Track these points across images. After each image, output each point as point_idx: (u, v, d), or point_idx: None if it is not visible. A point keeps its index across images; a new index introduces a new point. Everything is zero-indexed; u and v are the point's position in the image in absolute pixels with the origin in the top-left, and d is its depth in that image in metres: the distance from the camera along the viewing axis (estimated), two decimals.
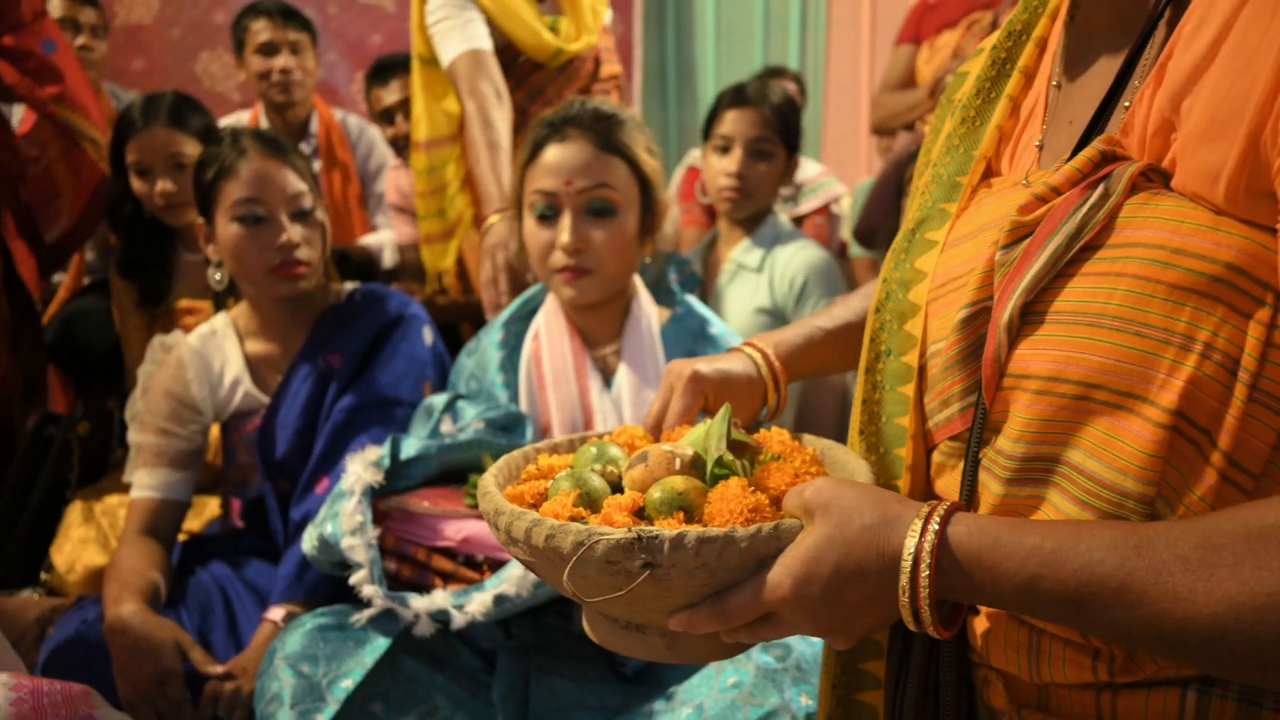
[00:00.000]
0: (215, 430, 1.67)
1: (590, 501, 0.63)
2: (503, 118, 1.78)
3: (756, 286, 1.92)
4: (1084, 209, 0.53)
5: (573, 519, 0.60)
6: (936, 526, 0.52)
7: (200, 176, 1.43)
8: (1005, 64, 0.70)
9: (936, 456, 0.64)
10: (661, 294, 1.45)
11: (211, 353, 1.51)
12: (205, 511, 1.79)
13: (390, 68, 2.45)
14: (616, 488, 0.66)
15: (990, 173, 0.69)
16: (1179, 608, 0.45)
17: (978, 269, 0.59)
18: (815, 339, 0.84)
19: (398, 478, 1.20)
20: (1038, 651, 0.57)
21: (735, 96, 1.94)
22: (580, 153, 1.21)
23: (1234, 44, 0.49)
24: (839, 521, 0.54)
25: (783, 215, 2.03)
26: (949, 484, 0.62)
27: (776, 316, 1.88)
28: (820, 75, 3.62)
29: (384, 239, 2.65)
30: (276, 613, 1.26)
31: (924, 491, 0.66)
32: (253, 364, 1.52)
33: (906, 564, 0.52)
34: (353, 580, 1.07)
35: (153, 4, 3.31)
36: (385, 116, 2.46)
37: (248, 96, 2.71)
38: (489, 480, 0.68)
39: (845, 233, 2.76)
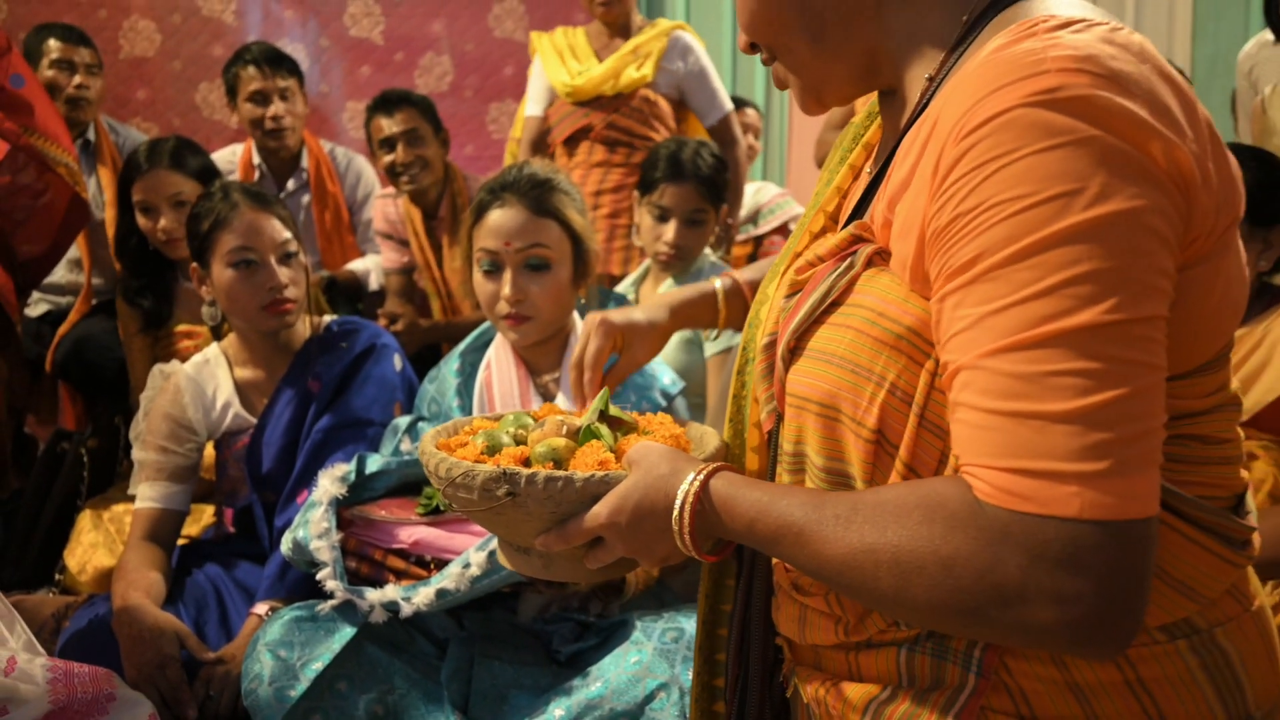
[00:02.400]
0: (209, 448, 1.86)
1: (495, 451, 0.85)
2: None
3: None
4: (834, 276, 0.70)
5: (476, 462, 0.81)
6: (702, 479, 0.71)
7: (196, 228, 1.62)
8: (858, 138, 0.89)
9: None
10: None
11: (205, 379, 1.71)
12: (202, 519, 1.98)
13: (397, 101, 2.53)
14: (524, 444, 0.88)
15: (838, 215, 0.86)
16: (826, 549, 0.62)
17: (777, 312, 0.78)
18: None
19: (363, 489, 1.40)
20: (804, 621, 0.75)
21: (672, 171, 2.03)
22: (517, 217, 1.41)
23: (919, 174, 0.66)
24: (643, 471, 0.75)
25: (707, 253, 2.14)
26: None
27: (696, 344, 2.01)
28: (786, 104, 3.81)
29: (370, 264, 2.83)
30: (261, 607, 1.45)
31: (767, 469, 0.83)
32: (242, 389, 1.71)
33: (676, 504, 0.71)
34: (319, 576, 1.27)
35: (155, 38, 3.50)
36: (387, 145, 2.52)
37: (243, 127, 2.90)
38: (428, 436, 0.90)
39: None
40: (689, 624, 1.24)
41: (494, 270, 1.44)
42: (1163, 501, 0.62)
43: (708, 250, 2.14)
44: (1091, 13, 0.63)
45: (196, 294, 2.27)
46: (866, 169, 0.84)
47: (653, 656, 1.18)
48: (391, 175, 2.54)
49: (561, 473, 0.77)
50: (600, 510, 0.75)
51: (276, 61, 2.65)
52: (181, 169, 2.13)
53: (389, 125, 2.49)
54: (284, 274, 1.61)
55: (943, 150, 0.60)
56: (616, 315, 1.02)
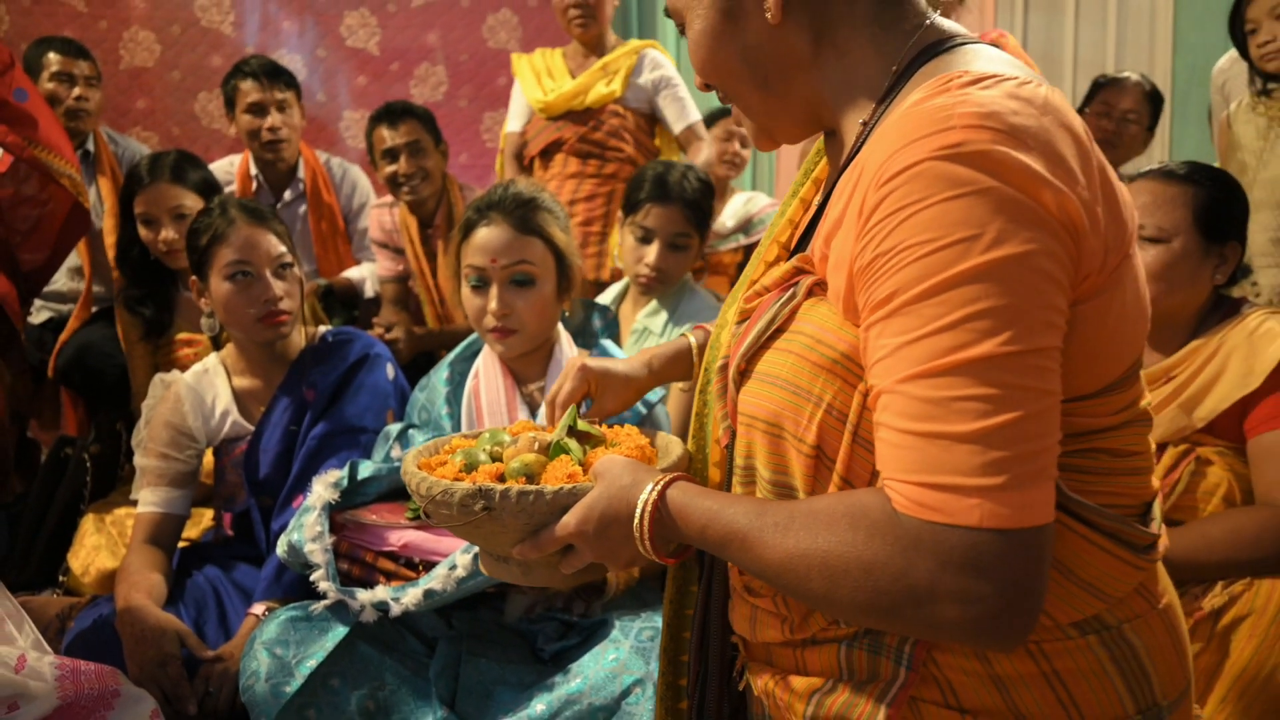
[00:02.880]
0: (208, 454, 1.92)
1: (472, 468, 0.91)
2: None
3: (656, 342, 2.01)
4: (778, 305, 0.77)
5: (456, 479, 0.87)
6: (659, 488, 0.78)
7: (194, 242, 1.69)
8: (808, 173, 0.96)
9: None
10: (587, 337, 1.71)
11: (204, 388, 1.77)
12: (202, 522, 2.04)
13: (400, 113, 2.57)
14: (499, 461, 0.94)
15: (789, 247, 0.92)
16: (767, 553, 0.69)
17: (726, 335, 0.84)
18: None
19: (356, 494, 1.47)
20: (755, 620, 0.82)
21: (658, 192, 2.00)
22: (503, 235, 1.48)
23: (849, 215, 0.71)
24: (608, 483, 0.81)
25: (690, 279, 2.13)
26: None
27: None
28: None
29: (365, 272, 2.89)
30: (258, 608, 1.52)
31: (726, 481, 0.89)
32: (240, 397, 1.77)
33: (637, 512, 0.78)
34: (312, 578, 1.34)
35: (154, 49, 3.56)
36: (389, 155, 2.56)
37: (241, 138, 2.96)
38: (410, 457, 0.96)
39: None
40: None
41: (481, 285, 1.51)
42: (1069, 509, 0.69)
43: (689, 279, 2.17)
44: (1003, 67, 0.70)
45: (196, 303, 2.36)
46: (815, 202, 0.91)
47: (629, 654, 1.25)
48: (393, 186, 2.60)
49: (532, 487, 0.83)
50: (569, 520, 0.82)
51: (274, 74, 2.71)
52: (182, 182, 2.19)
53: (392, 137, 2.54)
54: (279, 286, 1.67)
55: (866, 195, 0.66)
56: (596, 364, 1.08)
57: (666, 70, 2.70)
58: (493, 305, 1.48)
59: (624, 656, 1.25)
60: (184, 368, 2.28)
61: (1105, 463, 0.72)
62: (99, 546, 1.92)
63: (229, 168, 2.88)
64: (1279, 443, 1.45)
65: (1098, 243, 0.65)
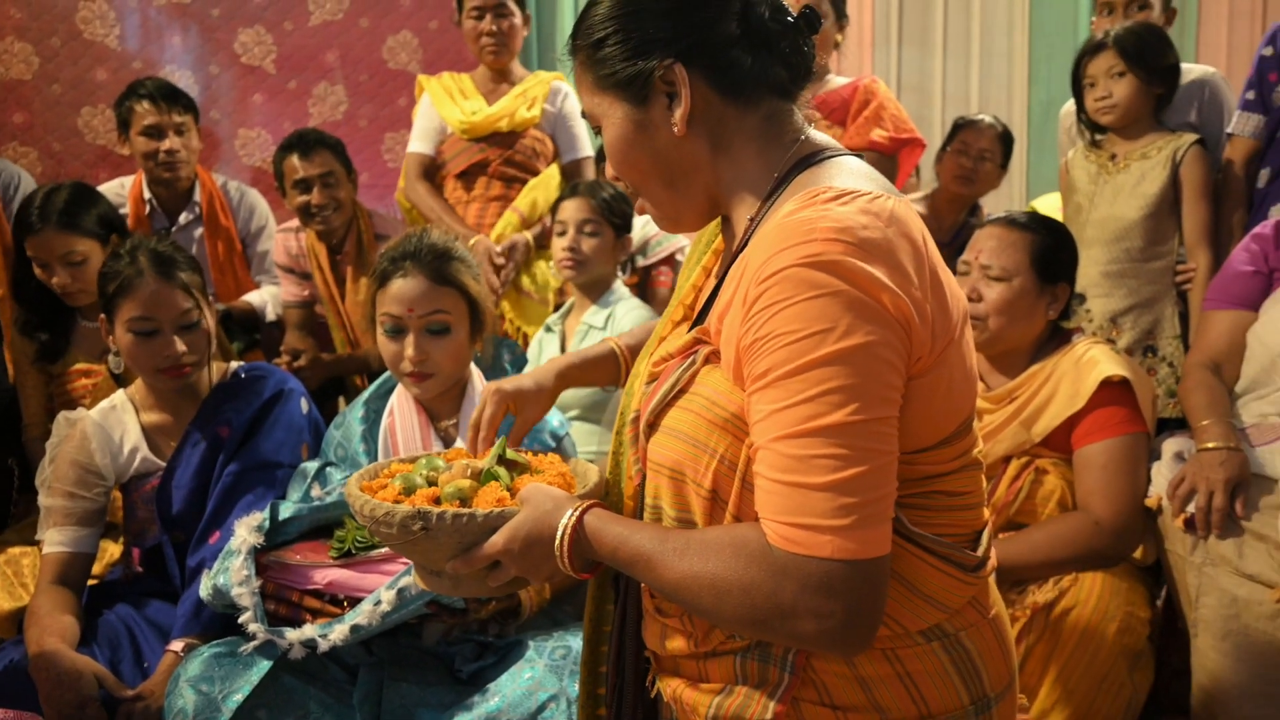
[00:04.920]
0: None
1: (410, 492, 1.01)
2: None
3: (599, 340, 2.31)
4: (680, 370, 0.90)
5: (396, 501, 0.98)
6: (577, 514, 0.91)
7: (104, 285, 1.70)
8: (710, 244, 1.09)
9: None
10: (497, 371, 1.81)
11: (112, 425, 1.78)
12: (105, 557, 2.03)
13: (314, 143, 2.57)
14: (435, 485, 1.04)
15: (693, 309, 1.05)
16: (667, 573, 0.83)
17: (638, 390, 0.97)
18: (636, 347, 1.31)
19: (277, 534, 1.53)
20: (664, 635, 0.95)
21: (569, 191, 2.35)
22: (418, 286, 1.57)
23: (736, 300, 0.85)
24: (532, 507, 0.94)
25: (620, 284, 2.41)
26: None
27: None
28: None
29: (266, 295, 2.88)
30: (177, 645, 1.55)
31: (638, 511, 1.01)
32: (149, 433, 1.79)
33: (558, 534, 0.90)
34: (241, 620, 1.40)
35: (33, 61, 3.43)
36: (301, 186, 2.56)
37: (135, 159, 2.89)
38: (353, 480, 1.05)
39: None
40: (575, 642, 1.43)
41: (397, 333, 1.59)
42: (913, 539, 0.86)
43: (619, 284, 2.38)
44: (861, 181, 0.86)
45: (94, 332, 2.32)
46: (714, 273, 1.05)
47: (544, 672, 1.37)
48: (305, 216, 2.60)
49: (466, 510, 0.95)
50: (498, 540, 0.94)
51: (172, 97, 2.68)
52: (74, 229, 2.15)
53: (305, 167, 2.54)
54: (181, 344, 1.69)
55: (749, 289, 0.81)
56: (508, 384, 1.21)
57: (571, 102, 2.83)
58: (409, 352, 1.57)
59: (539, 675, 1.36)
60: (80, 398, 2.27)
61: (942, 501, 0.89)
62: None
63: (120, 190, 2.82)
64: (1095, 456, 1.70)
65: (926, 333, 0.81)
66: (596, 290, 2.35)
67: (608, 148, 0.96)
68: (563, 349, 2.37)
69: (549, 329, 2.41)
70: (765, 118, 0.93)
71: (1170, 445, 1.84)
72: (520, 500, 0.96)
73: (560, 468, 1.09)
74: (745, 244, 0.90)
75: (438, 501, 0.99)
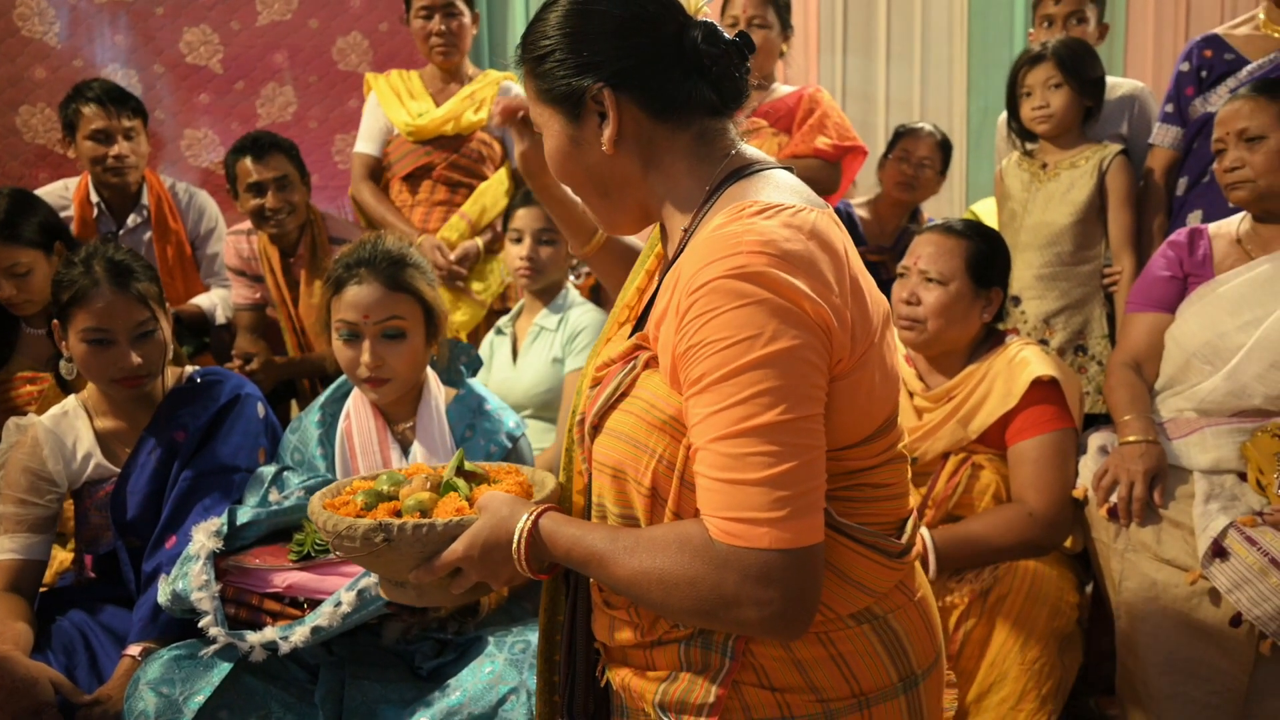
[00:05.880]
0: None
1: (372, 506, 1.05)
2: None
3: (552, 342, 2.35)
4: (622, 374, 0.95)
5: (357, 516, 1.01)
6: (532, 519, 0.95)
7: (57, 293, 1.69)
8: (653, 248, 1.14)
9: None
10: (453, 374, 1.84)
11: (64, 431, 1.77)
12: (54, 564, 2.01)
13: (268, 146, 2.54)
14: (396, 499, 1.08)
15: (635, 312, 1.10)
16: (618, 570, 0.88)
17: (585, 392, 1.02)
18: (628, 246, 1.33)
19: (235, 539, 1.54)
20: (612, 627, 1.00)
21: (523, 198, 2.37)
22: (373, 292, 1.59)
23: (670, 310, 0.90)
24: (490, 514, 0.98)
25: (571, 287, 2.46)
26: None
27: (561, 362, 2.33)
28: None
29: (215, 298, 2.86)
30: (134, 649, 1.55)
31: (586, 509, 1.06)
32: (103, 439, 1.78)
33: (515, 538, 0.95)
34: (201, 624, 1.41)
35: None
36: (255, 189, 2.53)
37: (81, 163, 2.84)
38: (315, 498, 1.08)
39: None
40: (534, 636, 1.48)
41: (353, 339, 1.62)
42: (840, 529, 0.92)
43: (571, 287, 2.41)
44: (786, 195, 0.92)
45: (39, 339, 2.29)
46: (656, 277, 1.10)
47: (504, 666, 1.41)
48: (258, 219, 2.58)
49: (426, 520, 0.98)
50: (457, 547, 0.98)
51: (120, 100, 2.64)
52: (14, 241, 2.12)
53: (259, 171, 2.52)
54: (136, 355, 1.68)
55: (680, 300, 0.87)
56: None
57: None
58: (365, 358, 1.60)
59: (499, 669, 1.41)
60: (25, 405, 2.23)
61: (868, 493, 0.95)
62: None
63: (64, 192, 2.77)
64: (1028, 451, 1.79)
65: (846, 337, 0.87)
66: (548, 295, 2.40)
67: (548, 156, 1.02)
68: (514, 350, 2.40)
69: (500, 331, 2.45)
70: (696, 136, 0.98)
71: (1095, 440, 1.95)
72: (478, 508, 1.00)
73: (518, 477, 1.13)
74: (679, 254, 0.95)
75: (399, 515, 1.02)
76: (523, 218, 2.34)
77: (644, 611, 0.96)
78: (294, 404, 2.84)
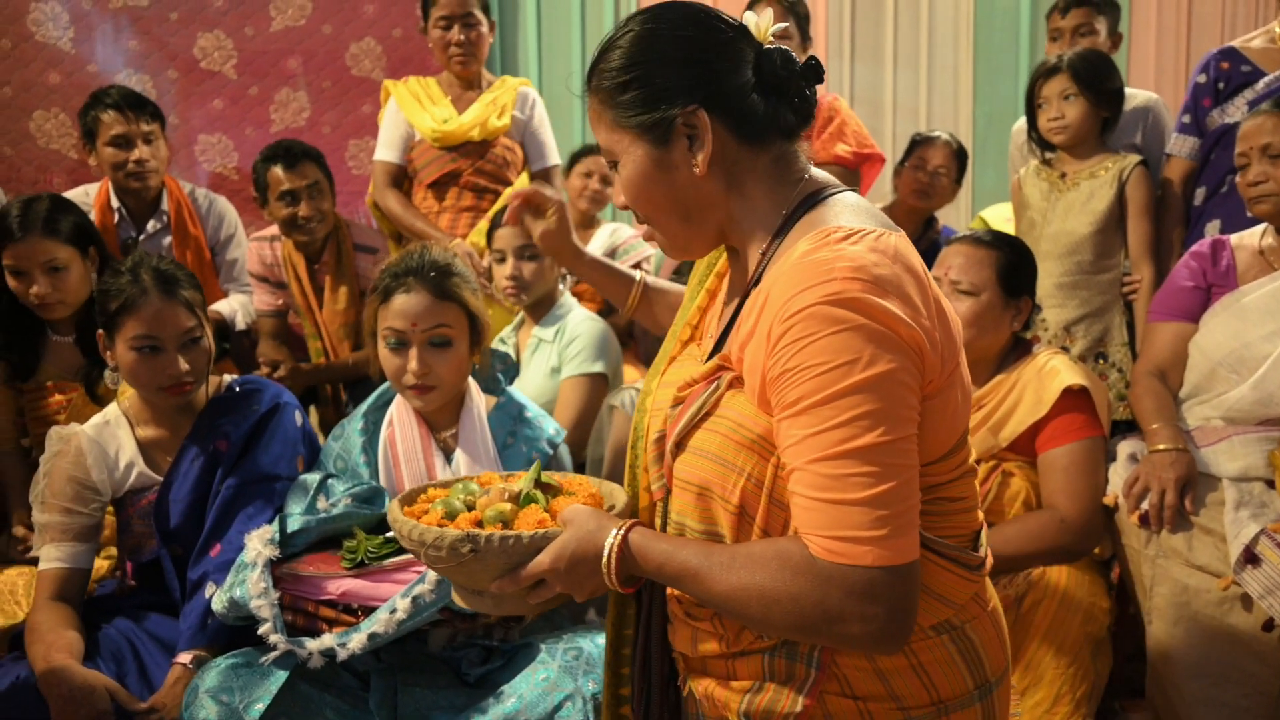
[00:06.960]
0: None
1: (453, 516, 1.07)
2: None
3: (550, 353, 2.35)
4: (706, 394, 0.97)
5: (440, 526, 1.03)
6: (623, 534, 0.97)
7: (104, 303, 1.70)
8: (712, 266, 1.16)
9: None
10: (491, 382, 1.86)
11: (107, 440, 1.78)
12: (94, 572, 2.01)
13: (300, 155, 2.57)
14: (473, 508, 1.10)
15: (698, 330, 1.13)
16: (716, 586, 0.89)
17: (663, 411, 1.04)
18: (665, 290, 1.42)
19: (285, 546, 1.55)
20: (696, 639, 1.03)
21: (497, 219, 2.32)
22: (421, 301, 1.61)
23: (758, 333, 0.93)
24: (576, 528, 1.00)
25: (566, 295, 2.41)
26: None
27: (558, 371, 2.32)
28: None
29: (236, 304, 2.86)
30: (185, 657, 1.56)
31: (655, 520, 1.07)
32: (145, 448, 1.79)
33: (605, 552, 0.96)
34: (261, 631, 1.42)
35: None
36: (288, 197, 2.56)
37: (85, 156, 2.83)
38: (395, 505, 1.10)
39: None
40: (585, 643, 1.50)
41: (400, 347, 1.64)
42: (924, 542, 0.94)
43: (566, 295, 2.40)
44: (864, 220, 0.95)
45: (67, 347, 2.29)
46: (721, 296, 1.12)
47: (558, 673, 1.43)
48: (289, 227, 2.59)
49: (513, 532, 1.00)
50: (543, 559, 0.99)
51: (139, 106, 2.64)
52: (56, 235, 2.13)
53: (291, 179, 2.54)
54: (184, 361, 1.70)
55: (772, 325, 0.89)
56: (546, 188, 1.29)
57: (540, 110, 2.87)
58: (413, 365, 1.61)
59: (554, 675, 1.43)
60: (54, 415, 2.24)
61: (945, 507, 0.98)
62: None
63: (85, 198, 2.76)
64: (1059, 458, 1.83)
65: (936, 358, 0.90)
66: (541, 308, 2.36)
67: (624, 182, 1.03)
68: (516, 360, 2.40)
69: (503, 341, 2.44)
70: (774, 159, 1.01)
71: (1124, 448, 1.99)
72: (562, 521, 1.02)
73: (590, 489, 1.15)
74: (759, 277, 0.98)
75: (480, 525, 1.04)
76: (503, 238, 2.28)
77: (729, 623, 0.99)
78: (314, 410, 2.85)
